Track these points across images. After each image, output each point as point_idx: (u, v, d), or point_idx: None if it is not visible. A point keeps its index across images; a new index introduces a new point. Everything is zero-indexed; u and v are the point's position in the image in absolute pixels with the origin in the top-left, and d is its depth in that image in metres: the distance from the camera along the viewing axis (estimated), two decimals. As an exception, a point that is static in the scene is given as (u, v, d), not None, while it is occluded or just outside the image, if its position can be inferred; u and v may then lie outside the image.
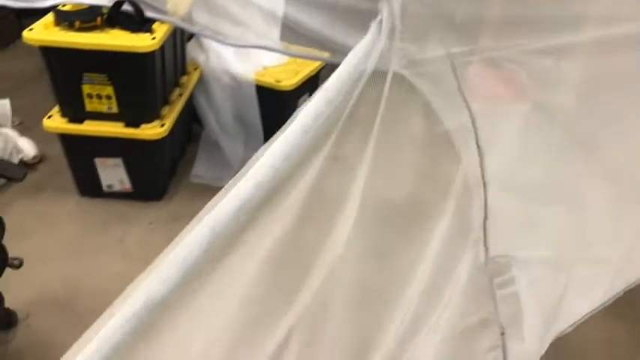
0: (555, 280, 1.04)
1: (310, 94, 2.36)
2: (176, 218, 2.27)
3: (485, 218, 0.95)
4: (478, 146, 0.95)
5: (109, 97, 2.07)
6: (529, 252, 1.01)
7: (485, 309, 0.98)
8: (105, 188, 2.30)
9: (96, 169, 2.25)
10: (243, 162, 2.92)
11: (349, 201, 0.94)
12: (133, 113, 2.12)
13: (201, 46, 2.63)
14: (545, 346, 0.99)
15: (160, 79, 2.13)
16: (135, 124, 2.13)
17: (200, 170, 2.52)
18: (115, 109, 2.10)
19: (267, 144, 0.93)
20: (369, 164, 0.92)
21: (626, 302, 2.04)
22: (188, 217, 2.63)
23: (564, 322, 1.04)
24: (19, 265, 1.50)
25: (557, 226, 1.07)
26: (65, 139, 2.19)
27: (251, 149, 2.65)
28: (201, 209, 2.59)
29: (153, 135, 2.13)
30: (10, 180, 1.68)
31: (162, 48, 2.05)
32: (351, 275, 0.97)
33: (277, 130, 2.82)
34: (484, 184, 0.94)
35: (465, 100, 0.96)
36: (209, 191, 2.62)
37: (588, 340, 1.82)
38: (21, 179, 1.37)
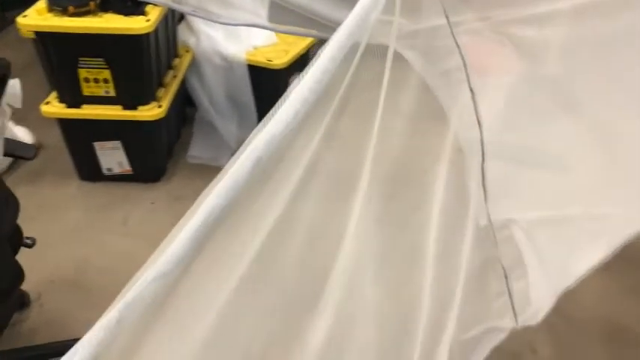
0: (556, 240, 1.09)
1: (301, 73, 2.41)
2: (177, 197, 2.32)
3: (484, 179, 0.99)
4: (478, 122, 0.97)
5: (105, 81, 2.11)
6: (527, 214, 1.05)
7: (491, 257, 1.04)
8: (105, 171, 2.34)
9: (95, 153, 2.29)
10: (239, 141, 2.97)
11: (354, 178, 0.98)
12: (131, 96, 2.16)
13: (191, 29, 2.66)
14: (553, 302, 1.05)
15: (155, 61, 2.17)
16: (132, 106, 2.17)
17: (196, 151, 2.56)
18: (112, 93, 2.14)
19: (264, 120, 0.92)
20: (373, 141, 0.95)
21: (616, 254, 2.13)
22: (189, 196, 2.69)
23: (569, 278, 1.09)
24: (32, 245, 1.54)
25: (553, 187, 1.13)
26: (64, 124, 2.22)
27: (245, 128, 2.70)
28: (201, 188, 2.66)
29: (151, 116, 2.17)
30: (21, 159, 1.71)
31: (156, 30, 2.08)
32: (366, 250, 1.02)
33: (270, 108, 2.89)
34: (483, 153, 0.97)
35: (466, 75, 0.99)
36: (207, 171, 2.78)
37: (594, 316, 1.92)
38: (32, 158, 1.41)
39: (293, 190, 0.82)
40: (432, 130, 1.05)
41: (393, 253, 1.06)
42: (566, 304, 1.49)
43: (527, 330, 1.46)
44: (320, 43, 1.05)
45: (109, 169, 2.34)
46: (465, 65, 0.95)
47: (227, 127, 2.63)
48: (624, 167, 1.14)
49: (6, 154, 1.34)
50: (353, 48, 0.85)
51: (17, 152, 1.34)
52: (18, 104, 1.34)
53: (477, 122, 0.92)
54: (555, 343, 1.80)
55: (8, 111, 1.21)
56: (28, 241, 1.55)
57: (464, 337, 1.02)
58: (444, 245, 0.99)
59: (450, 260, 1.00)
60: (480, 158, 0.96)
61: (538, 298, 1.03)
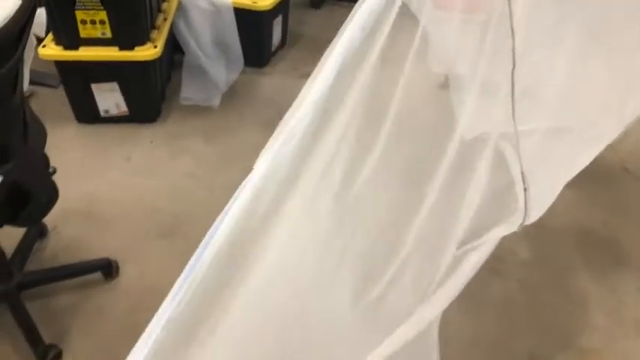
0: (557, 145, 1.21)
1: (284, 16, 2.58)
2: (175, 136, 2.43)
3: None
4: (512, 30, 1.00)
5: (102, 22, 2.18)
6: (532, 125, 1.14)
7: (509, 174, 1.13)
8: (102, 113, 2.43)
9: (92, 95, 2.37)
10: (227, 82, 3.10)
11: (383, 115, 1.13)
12: (126, 37, 2.23)
13: (176, -26, 2.73)
14: (555, 195, 1.15)
15: (148, 2, 2.24)
16: (129, 47, 2.24)
17: (188, 93, 2.66)
18: (108, 34, 2.21)
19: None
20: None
21: (600, 191, 2.36)
22: (186, 133, 2.84)
23: (568, 175, 1.23)
24: (54, 172, 1.64)
25: (554, 100, 1.24)
26: (61, 66, 2.29)
27: (232, 70, 2.81)
28: (195, 127, 2.86)
29: (147, 56, 2.26)
30: (47, 87, 1.77)
31: (149, -29, 2.16)
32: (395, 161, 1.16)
33: (256, 50, 3.11)
34: (514, 61, 1.01)
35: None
36: (199, 111, 2.96)
37: (565, 223, 2.12)
38: (56, 86, 1.49)
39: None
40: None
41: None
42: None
43: (506, 237, 1.67)
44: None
45: (106, 111, 2.43)
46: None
47: (215, 69, 2.72)
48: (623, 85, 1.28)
49: (32, 83, 1.43)
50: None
51: (43, 81, 1.42)
52: (42, 33, 1.42)
53: (511, 30, 0.97)
54: (532, 247, 2.01)
55: (34, 40, 1.30)
56: (51, 170, 1.65)
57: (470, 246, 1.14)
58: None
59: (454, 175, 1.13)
60: (511, 66, 1.02)
61: (536, 200, 1.14)
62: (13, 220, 1.45)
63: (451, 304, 1.08)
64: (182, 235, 1.99)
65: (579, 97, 1.26)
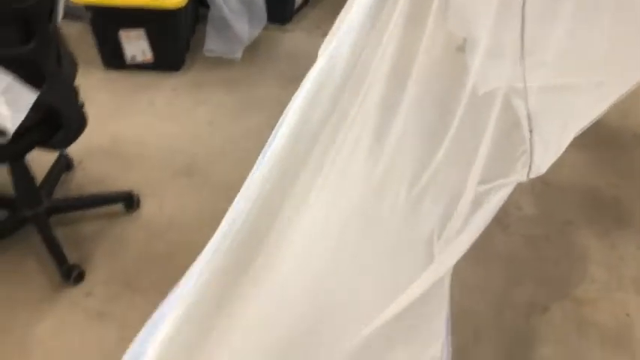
0: (564, 100, 1.22)
1: None
2: (198, 84, 2.52)
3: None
4: None
5: (132, -31, 2.26)
6: (539, 82, 1.18)
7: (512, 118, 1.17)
8: (128, 59, 2.52)
9: (120, 42, 2.45)
10: (250, 36, 3.16)
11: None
12: (155, -16, 2.31)
13: None
14: (563, 147, 1.18)
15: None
16: (156, -6, 2.32)
17: (212, 45, 2.73)
18: (138, -19, 2.29)
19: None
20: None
21: (609, 155, 2.40)
22: (208, 82, 2.94)
23: (575, 128, 1.28)
24: (83, 105, 1.73)
25: (561, 57, 1.24)
26: (93, 10, 2.37)
27: (256, 25, 2.87)
28: (218, 77, 2.96)
29: (174, 4, 2.33)
30: (79, 20, 1.85)
31: None
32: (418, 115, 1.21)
33: (280, 7, 3.19)
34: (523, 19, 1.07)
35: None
36: (223, 63, 3.05)
37: (571, 183, 2.18)
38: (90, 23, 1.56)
39: None
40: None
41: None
42: (546, 172, 1.78)
43: (512, 192, 1.74)
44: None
45: (133, 57, 2.51)
46: None
47: (239, 24, 2.79)
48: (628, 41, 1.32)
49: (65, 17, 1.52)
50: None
51: (77, 13, 1.50)
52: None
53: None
54: (537, 203, 2.08)
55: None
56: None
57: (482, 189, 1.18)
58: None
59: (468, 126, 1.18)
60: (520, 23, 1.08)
61: (544, 151, 1.19)
62: (45, 143, 1.55)
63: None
64: (200, 174, 2.08)
65: (584, 54, 1.31)
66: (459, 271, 1.22)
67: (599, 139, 2.30)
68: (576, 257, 1.91)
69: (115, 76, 2.54)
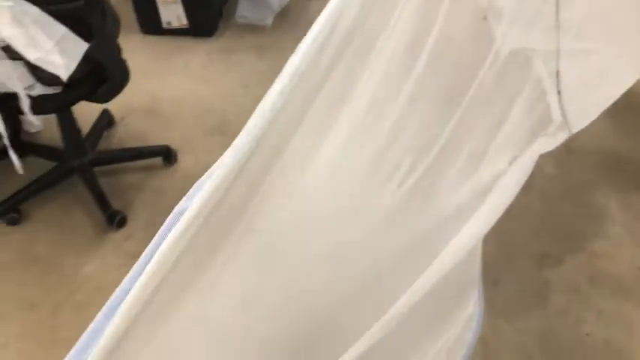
0: (594, 66, 1.18)
1: None
2: (231, 49, 2.62)
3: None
4: None
5: (169, -64, 2.36)
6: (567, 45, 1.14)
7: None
8: (164, 25, 2.63)
9: (157, 7, 2.57)
10: (281, 4, 3.25)
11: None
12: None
13: None
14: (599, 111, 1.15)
15: None
16: (192, -39, 2.43)
17: (244, 11, 2.82)
18: (174, -52, 2.39)
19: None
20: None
21: (633, 122, 2.43)
22: (240, 49, 3.04)
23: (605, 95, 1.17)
24: (125, 61, 1.85)
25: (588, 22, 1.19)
26: (131, -23, 2.50)
27: (287, -6, 2.94)
28: (250, 43, 3.08)
29: (209, -29, 2.44)
30: None
31: None
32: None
33: None
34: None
35: None
36: (254, 29, 3.19)
37: (593, 146, 2.22)
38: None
39: None
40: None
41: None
42: (568, 138, 1.84)
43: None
44: None
45: (169, 23, 2.63)
46: None
47: (271, -8, 2.88)
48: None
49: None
50: None
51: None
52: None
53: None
54: (557, 164, 2.14)
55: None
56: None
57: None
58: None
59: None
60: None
61: (575, 113, 1.15)
62: (91, 96, 1.68)
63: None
64: (231, 132, 2.16)
65: (609, 20, 1.32)
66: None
67: (626, 107, 2.34)
68: (592, 214, 1.97)
69: (152, 40, 2.66)
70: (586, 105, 1.16)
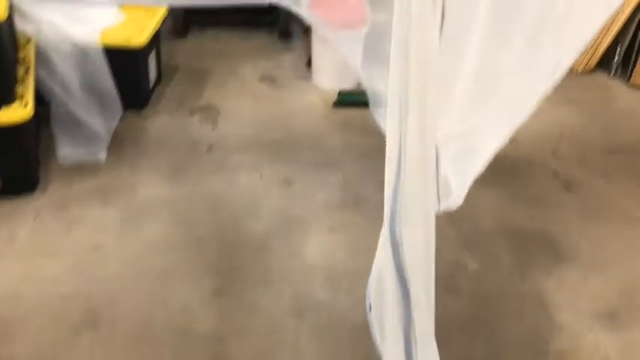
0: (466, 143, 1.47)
1: (157, 50, 2.54)
2: (64, 203, 2.08)
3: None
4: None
5: (-46, 85, 1.79)
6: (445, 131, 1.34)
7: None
8: (-34, 193, 2.01)
9: (-50, 173, 1.94)
10: (109, 130, 2.75)
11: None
12: (-11, 97, 1.86)
13: (25, 16, 2.35)
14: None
15: (8, 54, 1.89)
16: (-7, 109, 1.87)
17: (65, 150, 2.29)
18: (-37, 98, 1.83)
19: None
20: None
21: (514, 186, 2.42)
22: (75, 200, 2.46)
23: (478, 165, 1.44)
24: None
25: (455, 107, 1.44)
26: None
27: (111, 117, 2.49)
28: (84, 190, 2.53)
29: (19, 117, 1.89)
30: None
31: (9, 17, 1.81)
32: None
33: (134, 91, 2.86)
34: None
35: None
36: (84, 169, 2.59)
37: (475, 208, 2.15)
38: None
39: None
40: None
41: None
42: (470, 221, 1.69)
43: (449, 252, 1.68)
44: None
45: (-28, 190, 2.01)
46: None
47: (90, 117, 2.39)
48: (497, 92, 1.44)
49: None
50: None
51: None
52: None
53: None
54: (475, 257, 2.00)
55: None
56: None
57: None
58: None
59: None
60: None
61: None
62: None
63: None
64: (108, 321, 1.68)
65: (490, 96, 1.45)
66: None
67: (501, 174, 2.32)
68: (535, 306, 1.85)
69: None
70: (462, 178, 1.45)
